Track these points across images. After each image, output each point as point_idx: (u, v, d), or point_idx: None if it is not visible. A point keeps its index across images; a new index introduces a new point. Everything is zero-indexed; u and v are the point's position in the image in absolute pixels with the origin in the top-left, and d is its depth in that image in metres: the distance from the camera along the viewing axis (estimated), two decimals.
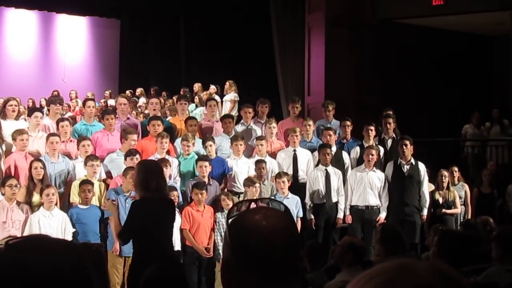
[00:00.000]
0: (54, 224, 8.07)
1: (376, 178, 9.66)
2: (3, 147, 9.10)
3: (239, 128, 10.80)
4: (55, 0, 19.11)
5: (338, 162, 10.04)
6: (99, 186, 8.87)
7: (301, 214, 9.36)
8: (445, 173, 10.03)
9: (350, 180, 9.76)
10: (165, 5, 18.45)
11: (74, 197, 8.63)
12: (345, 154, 10.24)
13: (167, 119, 11.52)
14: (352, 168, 10.06)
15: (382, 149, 10.24)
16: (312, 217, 9.60)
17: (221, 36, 17.49)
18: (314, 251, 6.30)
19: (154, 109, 11.02)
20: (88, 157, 8.86)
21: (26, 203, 8.31)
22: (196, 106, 15.11)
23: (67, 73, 20.22)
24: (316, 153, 10.04)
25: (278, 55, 15.18)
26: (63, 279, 1.39)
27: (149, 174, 5.95)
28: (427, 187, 9.77)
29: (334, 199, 9.66)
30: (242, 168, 9.72)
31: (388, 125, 10.52)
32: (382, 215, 9.59)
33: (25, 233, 7.81)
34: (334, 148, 10.16)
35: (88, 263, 1.48)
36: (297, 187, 9.80)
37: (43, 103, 15.59)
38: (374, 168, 9.71)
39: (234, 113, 13.41)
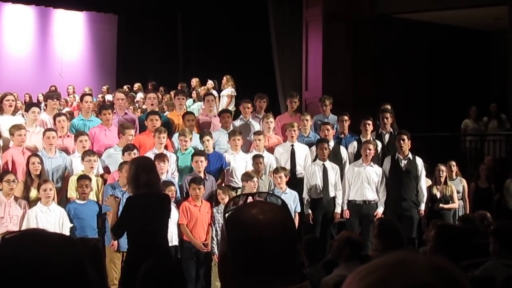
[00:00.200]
0: (51, 219, 8.06)
1: (374, 173, 9.67)
2: (0, 142, 9.09)
3: (238, 123, 10.79)
4: None
5: (335, 157, 10.05)
6: (97, 181, 8.87)
7: (299, 209, 9.36)
8: (443, 167, 10.04)
9: (347, 175, 9.76)
10: (163, 0, 18.44)
11: (72, 192, 8.63)
12: (342, 149, 10.25)
13: (165, 114, 11.51)
14: (349, 163, 10.07)
15: (379, 144, 10.25)
16: (310, 212, 9.60)
17: (219, 31, 17.48)
18: (311, 245, 6.31)
19: (152, 104, 11.01)
20: (85, 152, 8.86)
21: (23, 198, 8.31)
22: (194, 101, 15.10)
23: (65, 68, 20.19)
24: (313, 148, 10.04)
25: (275, 50, 15.18)
26: (60, 273, 1.39)
27: (139, 170, 5.97)
28: (424, 182, 9.78)
29: (331, 194, 9.66)
30: (239, 163, 9.72)
31: (385, 120, 10.52)
32: (380, 210, 9.60)
33: (23, 228, 7.80)
34: (332, 143, 10.16)
35: (85, 257, 1.48)
36: (295, 182, 9.81)
37: (41, 98, 15.56)
38: (372, 163, 9.72)
39: (231, 108, 13.41)
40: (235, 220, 1.82)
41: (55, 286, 1.38)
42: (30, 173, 8.46)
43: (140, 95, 16.60)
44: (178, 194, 8.94)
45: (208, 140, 9.72)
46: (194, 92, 15.67)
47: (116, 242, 7.97)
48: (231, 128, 10.35)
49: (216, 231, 8.60)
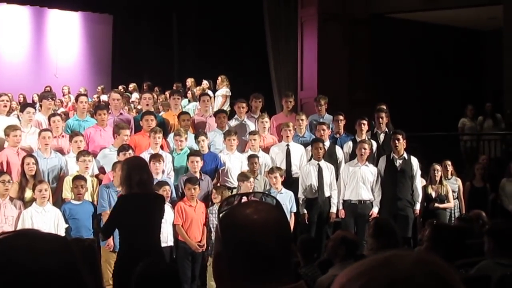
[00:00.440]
0: (47, 220, 8.05)
1: (369, 172, 9.67)
2: None
3: (233, 123, 10.79)
4: None
5: (331, 157, 10.05)
6: (92, 181, 8.86)
7: (294, 209, 9.36)
8: (438, 167, 10.04)
9: (343, 175, 9.77)
10: (158, 0, 18.43)
11: (67, 193, 8.61)
12: (338, 149, 10.25)
13: (160, 114, 11.51)
14: (345, 163, 10.07)
15: (374, 144, 10.26)
16: (305, 211, 9.60)
17: (214, 31, 17.48)
18: (307, 245, 6.30)
19: (147, 104, 11.01)
20: (80, 152, 8.84)
21: (18, 199, 8.29)
22: (189, 101, 15.10)
23: (60, 68, 20.17)
24: (309, 147, 10.04)
25: (271, 50, 15.19)
26: (53, 274, 1.38)
27: (132, 170, 5.93)
28: (419, 181, 9.78)
29: (327, 194, 9.67)
30: (235, 163, 9.72)
31: (380, 120, 10.52)
32: (375, 210, 9.60)
33: (18, 229, 7.79)
34: (327, 143, 10.16)
35: (79, 258, 1.47)
36: (291, 182, 9.81)
37: (36, 98, 15.54)
38: (367, 163, 9.72)
39: (226, 108, 13.41)
40: (229, 220, 1.82)
41: (48, 287, 1.38)
42: (25, 174, 8.44)
43: (135, 95, 16.60)
44: (174, 195, 8.93)
45: (203, 140, 9.72)
46: (189, 92, 15.67)
47: (111, 242, 7.96)
48: (227, 128, 10.35)
49: (210, 231, 8.60)
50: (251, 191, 8.50)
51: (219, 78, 14.39)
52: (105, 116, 9.89)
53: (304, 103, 13.99)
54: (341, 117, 10.65)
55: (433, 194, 9.93)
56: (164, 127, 10.16)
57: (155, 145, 9.35)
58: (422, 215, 9.72)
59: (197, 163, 9.09)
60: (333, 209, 9.70)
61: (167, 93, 14.62)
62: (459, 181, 10.50)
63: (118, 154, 8.87)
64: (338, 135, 10.65)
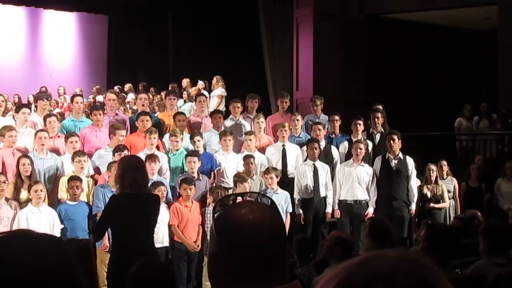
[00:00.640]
0: (42, 220, 8.03)
1: (364, 172, 9.67)
2: None
3: (228, 123, 10.79)
4: None
5: (327, 157, 10.05)
6: (88, 182, 8.85)
7: (290, 210, 9.36)
8: (433, 167, 10.06)
9: (338, 175, 9.77)
10: (153, 0, 18.41)
11: (62, 193, 8.60)
12: (334, 149, 10.26)
13: (156, 114, 11.50)
14: (340, 163, 10.07)
15: (370, 144, 10.27)
16: (301, 211, 9.60)
17: (209, 31, 17.48)
18: (303, 245, 6.31)
19: (143, 105, 11.02)
20: (75, 153, 8.83)
21: (14, 199, 8.28)
22: (185, 102, 15.08)
23: (55, 69, 20.11)
24: (305, 148, 10.04)
25: (266, 50, 15.20)
26: (47, 274, 1.38)
27: (127, 169, 5.88)
28: (415, 181, 9.78)
29: (322, 194, 9.67)
30: (230, 163, 9.72)
31: (376, 120, 10.53)
32: (370, 210, 9.61)
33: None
34: (323, 143, 10.16)
35: (74, 258, 1.47)
36: (287, 182, 9.82)
37: (31, 99, 15.51)
38: (363, 163, 9.73)
39: (222, 108, 13.41)
40: (224, 220, 1.82)
41: (43, 287, 1.37)
42: (20, 175, 8.43)
43: (131, 96, 16.56)
44: (170, 195, 8.93)
45: (198, 140, 9.72)
46: (185, 92, 15.66)
47: (107, 243, 7.92)
48: (223, 128, 10.35)
49: (205, 231, 8.60)
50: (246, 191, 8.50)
51: (214, 78, 14.39)
52: (100, 117, 9.88)
53: (299, 103, 13.99)
54: (336, 117, 10.66)
55: (429, 194, 9.95)
56: (159, 127, 10.16)
57: (151, 146, 9.34)
58: (417, 215, 9.73)
59: (194, 163, 9.09)
60: (329, 209, 9.70)
61: (162, 94, 14.61)
62: (455, 181, 10.52)
63: (113, 155, 8.86)
64: (333, 135, 10.66)
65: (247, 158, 9.55)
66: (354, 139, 10.14)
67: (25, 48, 20.38)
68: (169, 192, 8.89)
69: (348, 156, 10.06)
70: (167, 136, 9.98)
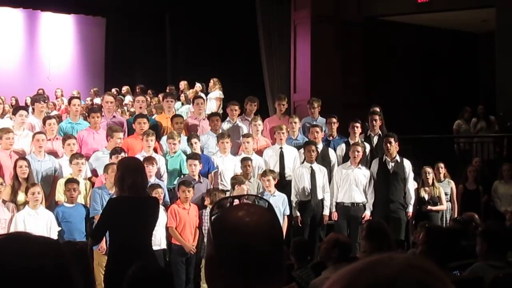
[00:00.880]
0: (39, 223, 8.02)
1: (362, 175, 9.67)
2: None
3: (225, 125, 10.79)
4: None
5: (324, 159, 10.05)
6: (85, 184, 8.84)
7: (287, 212, 9.36)
8: (428, 169, 10.06)
9: (335, 177, 9.77)
10: (151, 2, 18.42)
11: (60, 195, 8.59)
12: (331, 151, 10.26)
13: (153, 117, 11.49)
14: (338, 165, 10.07)
15: (368, 146, 10.26)
16: (298, 214, 9.60)
17: (207, 33, 17.47)
18: (300, 248, 6.30)
19: (140, 107, 11.00)
20: (73, 155, 8.83)
21: (11, 202, 8.27)
22: (182, 104, 15.08)
23: (52, 71, 20.10)
24: (302, 150, 10.04)
25: (264, 52, 15.20)
26: (44, 277, 1.38)
27: (126, 172, 5.81)
28: (412, 184, 9.78)
29: (319, 196, 9.66)
30: (228, 165, 9.72)
31: (374, 122, 10.53)
32: (368, 212, 9.60)
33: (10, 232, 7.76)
34: (320, 145, 10.17)
35: (71, 260, 1.47)
36: (284, 184, 9.82)
37: (29, 101, 15.50)
38: (360, 165, 9.73)
39: (219, 110, 13.42)
40: (221, 223, 1.82)
41: None
42: (17, 177, 8.42)
43: (128, 98, 16.56)
44: (167, 198, 8.93)
45: (195, 143, 9.73)
46: (182, 95, 15.65)
47: (104, 245, 7.91)
48: (220, 131, 10.35)
49: (202, 233, 8.59)
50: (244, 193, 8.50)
51: (212, 80, 14.39)
52: (98, 119, 9.88)
53: (297, 106, 14.00)
54: (334, 120, 10.66)
55: (426, 197, 9.95)
56: (157, 129, 10.15)
57: (148, 148, 9.34)
58: (414, 217, 9.73)
59: (195, 166, 9.10)
60: (326, 212, 9.70)
61: (160, 96, 14.60)
62: (452, 183, 10.52)
63: (110, 157, 8.87)
64: (331, 138, 10.66)
65: (245, 161, 9.55)
66: (351, 142, 10.14)
67: (23, 50, 20.37)
68: (166, 195, 8.88)
69: (345, 158, 10.06)
70: (164, 138, 9.98)
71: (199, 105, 11.15)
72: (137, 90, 16.56)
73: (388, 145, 9.65)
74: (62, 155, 9.31)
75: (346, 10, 14.26)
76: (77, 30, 21.18)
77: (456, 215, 9.96)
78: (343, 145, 10.32)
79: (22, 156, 8.82)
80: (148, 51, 19.24)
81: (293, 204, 9.60)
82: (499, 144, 13.46)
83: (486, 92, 15.39)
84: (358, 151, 9.66)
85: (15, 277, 1.35)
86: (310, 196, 9.62)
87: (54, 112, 14.59)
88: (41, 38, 20.69)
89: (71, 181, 8.46)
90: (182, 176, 9.44)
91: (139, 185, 5.82)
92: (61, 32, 20.85)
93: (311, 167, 9.68)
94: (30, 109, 11.62)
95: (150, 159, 8.80)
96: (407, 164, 9.73)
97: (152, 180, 8.66)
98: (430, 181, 10.00)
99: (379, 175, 9.70)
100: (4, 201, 8.17)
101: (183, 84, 16.11)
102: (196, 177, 9.11)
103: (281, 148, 10.13)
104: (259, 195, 8.71)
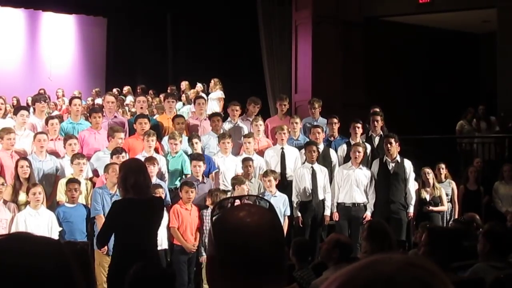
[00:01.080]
0: (40, 223, 8.03)
1: (363, 175, 9.67)
2: None
3: (226, 126, 10.79)
4: None
5: (325, 160, 10.05)
6: (86, 184, 8.84)
7: (288, 212, 9.36)
8: (427, 170, 10.05)
9: (336, 178, 9.77)
10: (152, 3, 18.42)
11: (61, 195, 8.59)
12: (332, 152, 10.26)
13: (154, 117, 11.49)
14: (339, 166, 10.07)
15: (369, 147, 10.26)
16: (299, 214, 9.60)
17: (208, 33, 17.48)
18: (301, 248, 6.29)
19: (141, 107, 11.00)
20: (74, 155, 8.83)
21: (12, 202, 8.27)
22: (183, 104, 15.08)
23: (54, 71, 20.11)
24: (303, 150, 10.04)
25: (265, 52, 15.20)
26: (45, 277, 1.38)
27: (128, 172, 5.77)
28: (413, 184, 9.78)
29: (320, 197, 9.66)
30: (229, 166, 9.72)
31: (375, 123, 10.52)
32: (368, 213, 9.60)
33: (11, 232, 7.75)
34: (321, 146, 10.16)
35: (72, 261, 1.47)
36: (285, 185, 9.81)
37: (30, 101, 15.51)
38: (361, 166, 9.73)
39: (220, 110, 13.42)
40: (222, 223, 1.82)
41: None
42: (19, 177, 8.42)
43: (129, 98, 16.57)
44: (168, 198, 8.92)
45: (196, 143, 9.73)
46: (183, 95, 15.65)
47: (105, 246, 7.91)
48: (221, 131, 10.35)
49: (203, 234, 8.59)
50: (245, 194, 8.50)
51: (212, 81, 14.39)
52: (99, 119, 9.88)
53: (298, 106, 14.00)
54: (335, 120, 10.66)
55: (428, 197, 9.94)
56: (158, 130, 10.15)
57: (149, 148, 9.34)
58: (415, 218, 9.72)
59: (199, 167, 9.10)
60: (327, 212, 9.70)
61: (161, 96, 14.61)
62: (453, 184, 10.51)
63: (111, 157, 8.86)
64: (332, 138, 10.66)
65: (246, 161, 9.56)
66: (352, 142, 10.14)
67: (24, 50, 20.39)
68: (167, 195, 8.88)
69: (346, 159, 10.06)
70: (166, 138, 9.98)
71: (200, 105, 11.15)
72: (138, 90, 16.57)
73: (389, 145, 9.65)
74: (63, 156, 9.31)
75: (347, 10, 14.26)
76: (78, 30, 21.20)
77: (457, 216, 9.95)
78: (344, 146, 10.32)
79: (23, 156, 8.82)
80: (149, 51, 19.25)
81: (294, 205, 9.60)
82: (500, 144, 13.45)
83: (487, 92, 15.38)
84: (359, 152, 9.66)
85: (16, 277, 1.35)
86: (311, 197, 9.62)
87: (56, 112, 14.59)
88: (42, 38, 20.71)
89: (72, 181, 8.47)
90: (183, 176, 9.45)
91: (141, 185, 5.77)
92: (62, 32, 20.87)
93: (312, 167, 9.68)
94: (31, 109, 11.63)
95: (151, 159, 8.80)
96: (408, 164, 9.72)
97: (154, 180, 8.65)
98: (431, 181, 9.99)
99: (379, 176, 9.70)
100: (5, 201, 8.17)
101: (184, 85, 16.11)
102: (200, 178, 9.12)
103: (282, 148, 10.13)
104: (260, 196, 8.72)
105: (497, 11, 13.53)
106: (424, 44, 15.62)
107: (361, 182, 9.64)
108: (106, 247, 7.85)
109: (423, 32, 15.47)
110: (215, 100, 14.04)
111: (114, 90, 16.61)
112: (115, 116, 10.59)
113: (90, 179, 9.06)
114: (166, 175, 9.44)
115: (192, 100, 13.06)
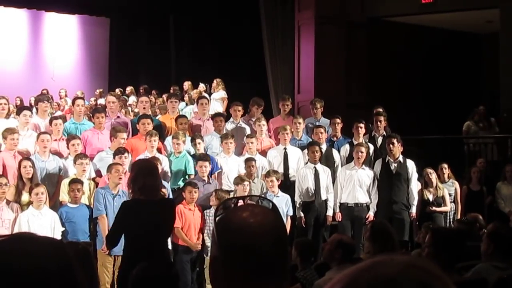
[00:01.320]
0: (43, 223, 8.03)
1: (365, 175, 9.67)
2: None
3: (229, 126, 10.80)
4: None
5: (328, 160, 10.05)
6: (89, 184, 8.84)
7: (291, 213, 9.36)
8: (429, 170, 10.04)
9: (339, 178, 9.76)
10: (155, 3, 18.43)
11: (64, 196, 8.60)
12: (335, 152, 10.26)
13: (157, 117, 11.50)
14: (342, 166, 10.07)
15: (371, 147, 10.26)
16: (302, 214, 9.60)
17: (211, 34, 17.49)
18: (304, 248, 6.29)
19: (144, 108, 11.01)
20: (77, 155, 8.84)
21: (15, 202, 8.27)
22: (186, 105, 15.09)
23: (57, 71, 20.13)
24: (305, 151, 10.04)
25: (268, 53, 15.20)
26: (48, 277, 1.38)
27: (138, 174, 5.78)
28: (415, 184, 9.77)
29: (323, 197, 9.66)
30: (232, 166, 9.73)
31: (378, 123, 10.52)
32: (371, 213, 9.60)
33: (14, 232, 7.76)
34: (324, 146, 10.16)
35: (75, 261, 1.47)
36: (288, 185, 9.81)
37: (33, 102, 15.53)
38: (363, 166, 9.72)
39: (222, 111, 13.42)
40: (225, 224, 1.82)
41: None
42: (21, 177, 8.43)
43: (132, 99, 16.58)
44: (171, 197, 8.92)
45: (199, 143, 9.74)
46: (186, 95, 15.66)
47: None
48: (224, 131, 10.36)
49: (207, 234, 8.60)
50: (247, 194, 8.51)
51: (215, 81, 14.40)
52: (102, 119, 9.89)
53: (301, 106, 13.99)
54: (338, 120, 10.66)
55: (430, 198, 9.93)
56: (161, 130, 10.16)
57: (151, 148, 9.35)
58: (418, 218, 9.71)
59: (205, 167, 9.12)
60: (330, 212, 9.70)
61: (164, 96, 14.61)
62: (456, 184, 10.50)
63: (114, 157, 8.87)
64: (335, 138, 10.66)
65: (249, 161, 9.56)
66: (355, 142, 10.14)
67: (27, 50, 20.41)
68: (170, 195, 8.88)
69: (349, 159, 10.06)
70: (169, 139, 9.98)
71: (203, 105, 11.16)
72: (141, 91, 16.59)
73: (391, 145, 9.64)
74: (67, 156, 9.32)
75: (350, 11, 14.25)
76: (81, 30, 21.22)
77: (459, 216, 9.94)
78: (347, 146, 10.32)
79: (26, 156, 8.83)
80: (152, 52, 19.27)
81: (297, 205, 9.60)
82: (503, 145, 13.44)
83: (489, 93, 15.36)
84: (361, 152, 9.65)
85: (19, 277, 1.35)
86: (314, 197, 9.62)
87: (58, 113, 14.60)
88: (45, 38, 20.74)
89: (75, 181, 8.47)
90: (187, 176, 9.46)
91: (150, 187, 5.75)
92: (65, 33, 20.89)
93: (315, 167, 9.68)
94: (34, 109, 11.65)
95: (154, 160, 8.79)
96: (410, 164, 9.71)
97: None
98: (434, 182, 9.98)
99: (382, 176, 9.69)
100: (8, 202, 8.17)
101: (187, 85, 16.12)
102: (206, 178, 9.12)
103: (285, 148, 10.13)
104: (263, 196, 8.73)
105: (500, 12, 13.51)
106: (427, 44, 15.61)
107: (364, 182, 9.63)
108: (105, 247, 7.88)
109: (426, 32, 15.46)
110: (218, 100, 14.05)
111: (117, 90, 16.61)
112: (118, 117, 10.61)
113: (93, 179, 9.06)
114: (169, 175, 9.44)
115: (195, 100, 13.07)
